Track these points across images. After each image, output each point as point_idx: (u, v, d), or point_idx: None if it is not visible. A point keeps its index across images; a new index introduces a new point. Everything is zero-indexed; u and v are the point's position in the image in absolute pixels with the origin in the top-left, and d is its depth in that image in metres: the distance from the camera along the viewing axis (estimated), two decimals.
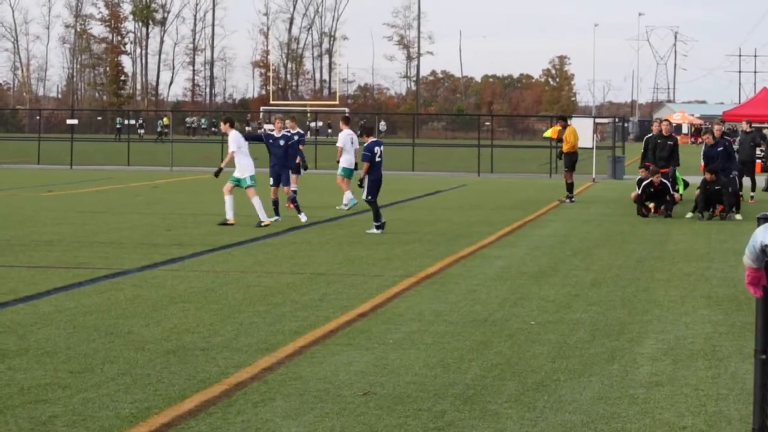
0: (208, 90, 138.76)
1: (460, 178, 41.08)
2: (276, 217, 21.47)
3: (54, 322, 10.52)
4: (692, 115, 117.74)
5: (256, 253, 16.42)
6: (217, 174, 21.54)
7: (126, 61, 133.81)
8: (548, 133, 33.88)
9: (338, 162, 25.23)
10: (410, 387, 8.23)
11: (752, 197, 29.27)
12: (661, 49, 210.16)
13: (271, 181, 22.07)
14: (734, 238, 19.46)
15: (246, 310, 11.38)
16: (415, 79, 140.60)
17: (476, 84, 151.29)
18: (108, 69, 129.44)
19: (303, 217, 21.42)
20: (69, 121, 59.60)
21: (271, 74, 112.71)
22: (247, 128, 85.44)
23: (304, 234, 19.41)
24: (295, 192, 23.36)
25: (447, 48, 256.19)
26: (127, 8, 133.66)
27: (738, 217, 23.27)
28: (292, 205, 21.99)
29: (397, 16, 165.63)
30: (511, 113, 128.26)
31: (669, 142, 25.27)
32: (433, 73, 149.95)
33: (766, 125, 43.70)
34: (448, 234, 19.53)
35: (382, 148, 19.81)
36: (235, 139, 20.84)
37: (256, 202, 20.53)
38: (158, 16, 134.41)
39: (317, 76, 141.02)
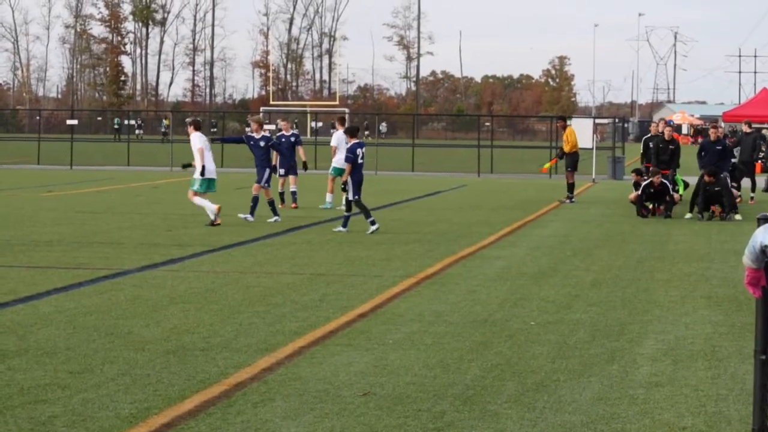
0: (208, 90, 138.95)
1: (460, 178, 41.08)
2: (276, 218, 21.46)
3: (54, 323, 10.52)
4: (692, 115, 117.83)
5: (255, 254, 16.42)
6: (185, 166, 21.39)
7: (126, 62, 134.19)
8: (547, 166, 34.37)
9: None
10: (410, 387, 8.23)
11: (752, 198, 29.27)
12: (661, 50, 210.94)
13: (263, 182, 21.82)
14: (734, 238, 19.46)
15: (246, 311, 11.38)
16: (415, 79, 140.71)
17: (476, 84, 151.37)
18: (108, 69, 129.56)
19: (250, 219, 21.05)
20: (69, 122, 59.60)
21: (271, 74, 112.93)
22: (247, 129, 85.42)
23: (304, 234, 19.41)
24: (294, 193, 23.33)
25: (447, 48, 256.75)
26: (127, 8, 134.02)
27: (738, 217, 23.28)
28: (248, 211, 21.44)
29: (397, 17, 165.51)
30: (511, 114, 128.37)
31: (671, 146, 25.56)
32: (433, 73, 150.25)
33: (766, 126, 43.73)
34: (448, 234, 19.53)
35: (364, 149, 19.82)
36: (199, 139, 20.62)
37: (197, 200, 20.53)
38: (158, 16, 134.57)
39: (317, 76, 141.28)
